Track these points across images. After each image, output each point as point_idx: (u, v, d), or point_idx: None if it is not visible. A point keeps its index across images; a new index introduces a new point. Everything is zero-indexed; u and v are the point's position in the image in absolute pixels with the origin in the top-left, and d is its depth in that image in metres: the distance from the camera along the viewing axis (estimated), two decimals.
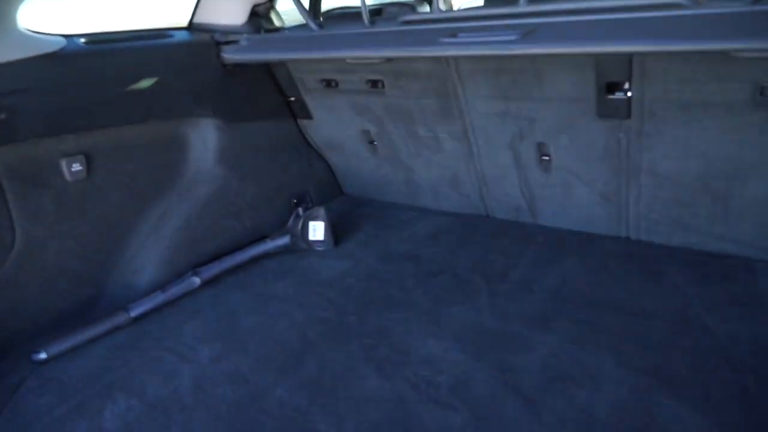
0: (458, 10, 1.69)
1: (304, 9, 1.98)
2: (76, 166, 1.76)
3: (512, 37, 1.39)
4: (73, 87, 1.73)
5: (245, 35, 2.10)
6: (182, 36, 2.07)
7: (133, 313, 1.77)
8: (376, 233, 2.29)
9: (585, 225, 2.08)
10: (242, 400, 1.41)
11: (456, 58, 1.84)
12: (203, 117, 2.10)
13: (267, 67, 2.31)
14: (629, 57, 1.56)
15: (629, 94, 1.64)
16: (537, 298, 1.74)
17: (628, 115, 1.69)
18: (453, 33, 1.52)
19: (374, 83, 2.11)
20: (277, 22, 2.38)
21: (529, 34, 1.38)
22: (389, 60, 1.96)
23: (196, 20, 2.18)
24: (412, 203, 2.51)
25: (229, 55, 2.05)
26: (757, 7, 1.19)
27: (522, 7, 1.55)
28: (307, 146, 2.57)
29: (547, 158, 1.98)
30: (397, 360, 1.52)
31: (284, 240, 2.14)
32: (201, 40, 2.10)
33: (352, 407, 1.36)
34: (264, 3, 2.31)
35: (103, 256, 1.89)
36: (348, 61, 2.05)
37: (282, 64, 2.26)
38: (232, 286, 1.97)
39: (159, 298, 1.83)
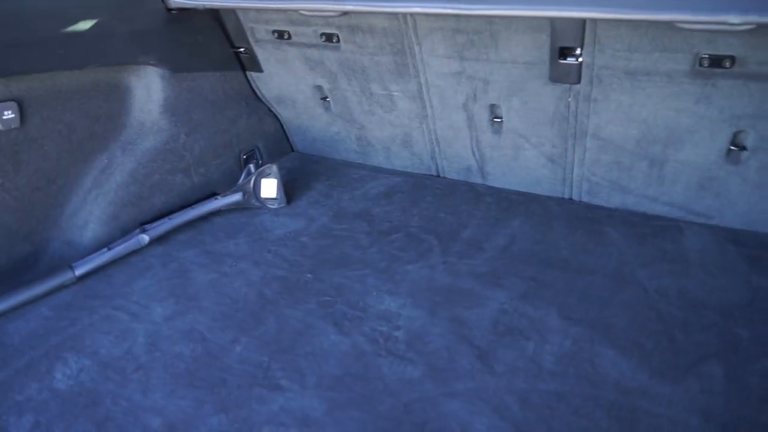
0: None
1: None
2: (8, 114, 1.62)
3: None
4: (1, 25, 1.58)
5: None
6: None
7: (78, 272, 1.70)
8: (329, 192, 2.29)
9: (531, 186, 2.17)
10: (201, 357, 1.41)
11: (414, 16, 1.82)
12: (147, 65, 1.98)
13: (215, 14, 2.20)
14: (582, 23, 1.61)
15: (580, 59, 1.69)
16: (487, 256, 1.82)
17: (578, 80, 1.75)
18: None
19: (329, 37, 2.06)
20: None
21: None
22: (345, 13, 1.91)
23: None
24: (364, 162, 2.51)
25: None
26: None
27: None
28: (257, 100, 2.49)
29: (498, 120, 2.02)
30: (355, 316, 1.56)
31: (236, 197, 2.09)
32: None
33: (312, 362, 1.40)
34: None
35: (41, 211, 1.78)
36: (302, 12, 1.98)
37: (232, 11, 2.15)
38: (183, 244, 1.93)
39: (105, 255, 1.77)
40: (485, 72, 1.88)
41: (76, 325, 1.54)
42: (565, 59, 1.71)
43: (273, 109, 2.54)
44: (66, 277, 1.67)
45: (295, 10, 1.96)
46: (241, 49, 2.31)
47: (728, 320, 1.48)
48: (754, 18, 1.19)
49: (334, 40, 2.05)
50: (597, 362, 1.37)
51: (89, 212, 1.86)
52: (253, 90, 2.47)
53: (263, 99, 2.50)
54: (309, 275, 1.74)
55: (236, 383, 1.34)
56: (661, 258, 1.76)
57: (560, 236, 1.91)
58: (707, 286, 1.62)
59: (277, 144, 2.59)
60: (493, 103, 1.97)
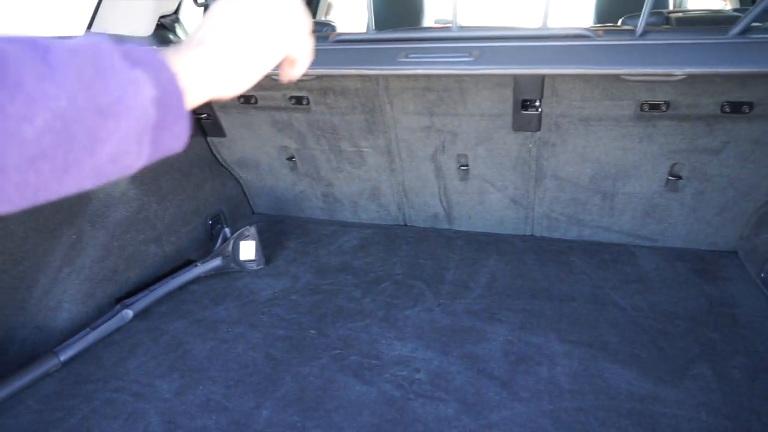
0: (388, 31, 1.79)
1: None
2: None
3: (469, 59, 1.55)
4: None
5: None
6: None
7: (63, 357, 1.56)
8: (304, 249, 2.30)
9: (496, 226, 2.34)
10: (228, 428, 1.35)
11: (386, 77, 1.96)
12: None
13: None
14: (542, 79, 1.83)
15: (540, 110, 1.91)
16: (476, 294, 1.92)
17: (539, 128, 1.96)
18: (406, 53, 1.63)
19: (299, 100, 2.14)
20: (182, 36, 2.27)
21: (479, 57, 1.55)
22: (318, 76, 2.01)
23: (94, 29, 2.00)
24: (330, 218, 2.56)
25: None
26: (641, 41, 1.50)
27: (456, 32, 1.72)
28: (218, 164, 2.48)
29: (465, 168, 2.19)
30: (372, 365, 1.57)
31: (216, 262, 2.04)
32: None
33: (346, 415, 1.38)
34: (170, 15, 2.20)
35: (7, 295, 1.63)
36: (273, 77, 2.04)
37: None
38: (168, 316, 1.83)
39: (89, 336, 1.64)
40: (453, 125, 2.05)
41: (74, 415, 1.40)
42: (526, 110, 1.92)
43: (233, 172, 2.53)
44: (51, 363, 1.52)
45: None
46: (204, 116, 2.31)
47: (699, 326, 1.69)
48: (689, 70, 1.45)
49: (304, 103, 2.14)
50: (606, 377, 1.49)
51: (62, 291, 1.73)
52: (214, 155, 2.46)
53: (224, 163, 2.49)
54: (312, 331, 1.73)
55: None
56: (626, 279, 1.96)
57: (534, 269, 2.07)
58: (672, 299, 1.84)
59: (238, 207, 2.57)
60: (460, 152, 2.14)
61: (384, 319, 1.79)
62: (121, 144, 0.44)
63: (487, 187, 2.22)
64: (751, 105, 1.71)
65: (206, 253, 2.15)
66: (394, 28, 1.87)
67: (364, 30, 1.79)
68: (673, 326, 1.69)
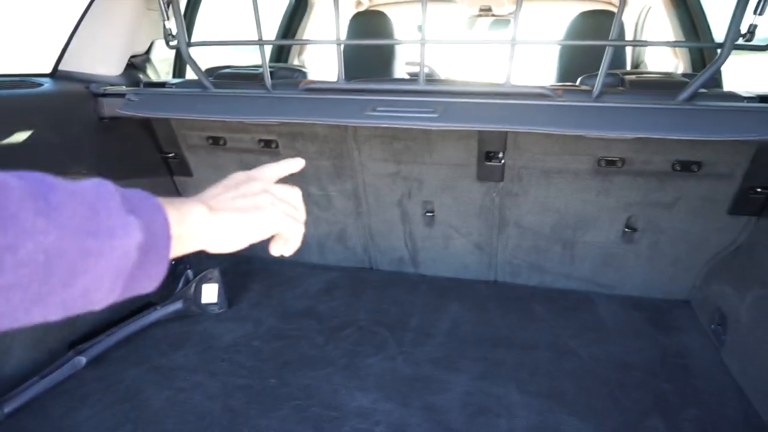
0: (354, 81, 1.84)
1: (199, 67, 1.95)
2: None
3: (435, 115, 1.59)
4: None
5: (131, 89, 1.98)
6: (54, 85, 1.87)
7: (8, 408, 1.49)
8: (268, 292, 2.28)
9: (461, 271, 2.37)
10: None
11: (355, 127, 2.00)
12: (78, 174, 1.90)
13: (146, 122, 2.19)
14: (505, 133, 1.90)
15: (503, 161, 1.97)
16: (438, 341, 1.93)
17: (502, 179, 2.02)
18: (373, 107, 1.67)
19: (267, 143, 2.16)
20: (152, 76, 2.28)
21: (445, 113, 1.60)
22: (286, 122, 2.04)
23: (63, 67, 1.99)
24: (296, 259, 2.55)
25: (119, 110, 1.90)
26: (597, 103, 1.58)
27: (422, 86, 1.77)
28: None
29: (431, 214, 2.22)
30: (332, 417, 1.55)
31: (176, 305, 2.00)
32: (76, 91, 1.92)
33: None
34: (141, 55, 2.21)
35: None
36: (243, 120, 2.06)
37: (165, 119, 2.17)
38: (124, 362, 1.78)
39: (38, 385, 1.58)
40: (420, 173, 2.09)
41: None
42: (490, 161, 1.98)
43: None
44: None
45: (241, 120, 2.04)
46: (171, 155, 2.30)
47: (652, 377, 1.73)
48: (640, 134, 1.53)
49: (273, 146, 2.15)
50: (564, 430, 1.51)
51: (10, 337, 1.67)
52: (180, 194, 2.44)
53: None
54: (273, 380, 1.71)
55: None
56: (585, 327, 2.01)
57: (496, 316, 2.09)
58: (627, 348, 1.88)
59: None
60: (426, 199, 2.17)
61: (346, 368, 1.78)
62: (96, 281, 0.45)
63: (452, 233, 2.25)
64: (699, 164, 1.80)
65: (167, 295, 2.11)
66: (363, 78, 1.92)
67: (335, 78, 1.82)
68: (629, 377, 1.73)
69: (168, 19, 1.87)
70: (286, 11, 3.62)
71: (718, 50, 1.47)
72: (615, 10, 1.67)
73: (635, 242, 2.06)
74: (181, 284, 2.11)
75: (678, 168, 1.83)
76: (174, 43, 1.90)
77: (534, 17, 4.11)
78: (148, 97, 1.93)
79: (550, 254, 2.19)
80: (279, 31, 3.61)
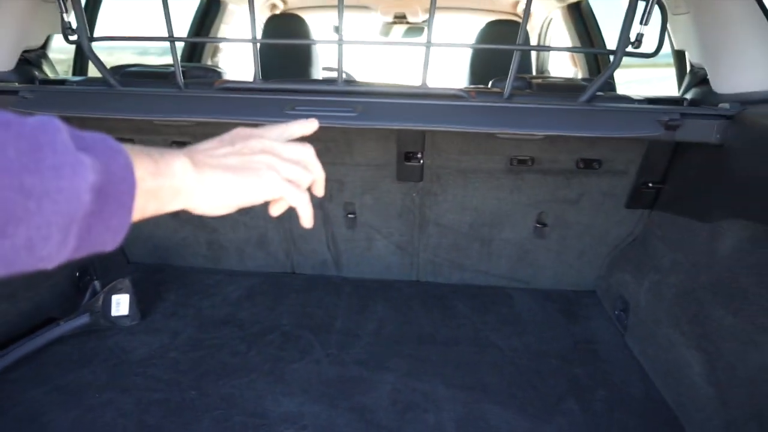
0: (274, 82, 1.81)
1: (103, 64, 1.82)
2: None
3: (354, 114, 1.60)
4: None
5: (24, 86, 1.81)
6: None
7: None
8: (185, 301, 2.17)
9: (384, 272, 2.39)
10: None
11: None
12: None
13: None
14: (423, 133, 1.94)
15: (422, 161, 2.02)
16: (364, 342, 1.93)
17: (421, 179, 2.07)
18: (292, 106, 1.65)
19: (180, 145, 2.05)
20: (50, 73, 2.10)
21: (364, 112, 1.61)
22: (201, 122, 1.96)
23: None
24: (215, 266, 2.45)
25: (10, 108, 1.73)
26: (508, 104, 1.67)
27: (341, 87, 1.78)
28: None
29: (352, 216, 2.23)
30: (257, 425, 1.50)
31: (83, 319, 1.85)
32: None
33: None
34: (35, 50, 2.04)
35: None
36: (153, 120, 1.96)
37: (65, 119, 2.01)
38: (23, 383, 1.62)
39: None
40: (340, 174, 2.09)
41: None
42: (409, 162, 2.02)
43: None
44: None
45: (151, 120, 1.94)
46: None
47: (566, 364, 1.84)
48: (547, 132, 1.63)
49: None
50: (488, 418, 1.56)
51: None
52: None
53: None
54: (193, 392, 1.62)
55: None
56: (503, 321, 2.09)
57: (420, 315, 2.13)
58: (542, 338, 1.99)
59: (110, 256, 2.37)
60: (347, 200, 2.17)
61: (270, 374, 1.73)
62: (42, 230, 0.38)
63: (374, 234, 2.27)
64: (600, 162, 1.94)
65: (71, 309, 1.94)
66: (281, 78, 1.89)
67: (251, 79, 1.78)
68: (545, 365, 1.82)
69: (67, 11, 1.74)
70: (196, 12, 3.49)
71: (611, 57, 1.60)
72: (520, 20, 1.77)
73: (545, 237, 2.18)
74: (87, 296, 1.95)
75: (581, 166, 1.96)
76: (74, 37, 1.77)
77: (445, 26, 4.26)
78: (45, 94, 1.78)
79: (469, 252, 2.27)
80: (189, 33, 3.47)
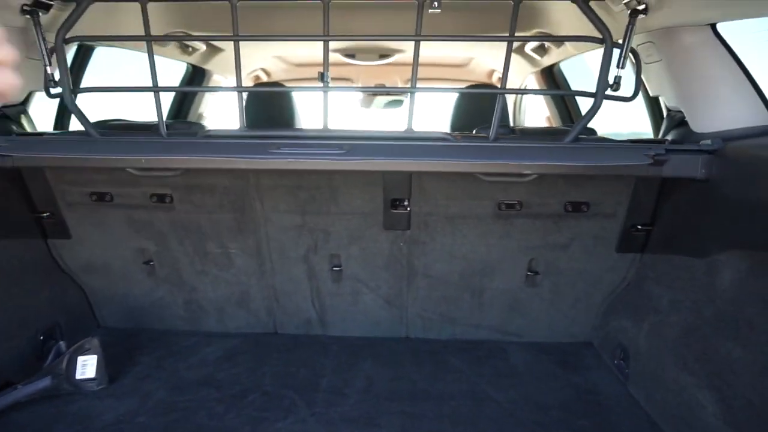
0: (259, 129, 1.80)
1: (84, 116, 1.79)
2: None
3: (339, 152, 1.57)
4: None
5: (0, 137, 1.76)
6: None
7: None
8: (158, 363, 2.02)
9: (371, 329, 2.27)
10: None
11: (257, 174, 1.93)
12: None
13: (16, 176, 1.95)
14: (409, 178, 1.92)
15: (409, 208, 1.98)
16: (353, 401, 1.79)
17: (408, 227, 2.02)
18: (278, 146, 1.62)
19: (161, 198, 2.00)
20: (29, 128, 2.07)
21: (350, 151, 1.58)
22: (184, 173, 1.92)
23: None
24: (192, 328, 2.31)
25: None
26: (494, 144, 1.67)
27: (327, 132, 1.76)
28: (59, 270, 2.17)
29: (338, 268, 2.15)
30: None
31: (43, 383, 1.69)
32: None
33: None
34: (15, 105, 2.01)
35: None
36: (131, 171, 1.91)
37: (39, 173, 1.95)
38: None
39: None
40: (326, 224, 2.04)
41: None
42: (396, 209, 1.99)
43: (76, 279, 2.22)
44: None
45: (123, 169, 1.88)
46: (45, 215, 2.05)
47: (570, 415, 1.72)
48: (538, 162, 1.61)
49: (167, 201, 2.00)
50: None
51: None
52: (54, 258, 2.16)
53: (66, 269, 2.19)
54: None
55: None
56: (499, 374, 1.98)
57: (412, 371, 2.01)
58: (541, 390, 1.87)
59: (80, 319, 2.23)
60: (333, 252, 2.11)
61: None
62: None
63: (361, 287, 2.18)
64: (588, 204, 1.93)
65: (31, 372, 1.78)
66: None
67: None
68: (548, 417, 1.70)
69: (51, 65, 1.73)
70: (181, 81, 3.56)
71: (593, 100, 1.64)
72: (497, 86, 1.81)
73: (538, 285, 2.12)
74: (51, 357, 1.80)
75: (570, 209, 1.94)
76: (56, 90, 1.75)
77: (424, 100, 4.40)
78: (23, 142, 1.74)
79: (460, 303, 2.18)
80: (173, 100, 3.52)
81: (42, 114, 2.34)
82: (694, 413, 1.47)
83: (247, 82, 3.99)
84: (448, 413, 1.72)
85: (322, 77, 1.70)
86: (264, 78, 4.03)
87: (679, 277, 1.73)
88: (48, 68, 1.73)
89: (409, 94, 1.75)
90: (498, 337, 2.24)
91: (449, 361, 2.07)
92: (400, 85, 4.08)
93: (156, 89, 1.69)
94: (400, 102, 4.25)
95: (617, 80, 1.67)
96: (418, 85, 1.65)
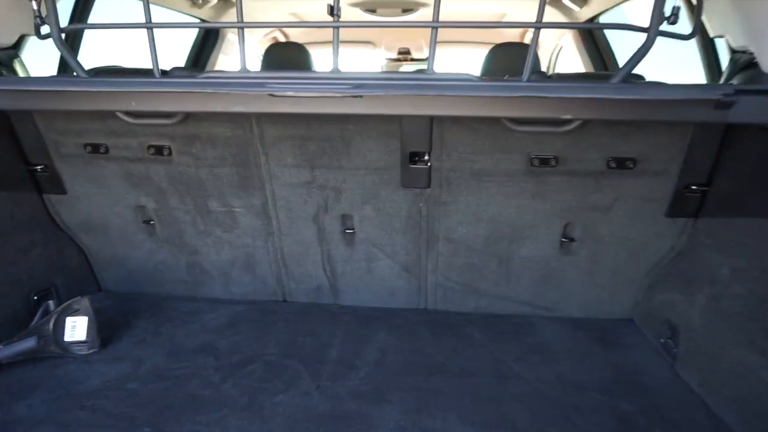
0: (259, 72, 1.61)
1: (73, 55, 1.63)
2: None
3: (349, 87, 1.37)
4: None
5: None
6: None
7: None
8: (156, 329, 1.87)
9: (387, 300, 2.08)
10: None
11: (260, 123, 1.74)
12: None
13: (6, 126, 1.81)
14: (430, 127, 1.70)
15: (429, 163, 1.77)
16: (363, 373, 1.62)
17: (429, 185, 1.81)
18: (281, 83, 1.42)
19: (159, 149, 1.83)
20: (21, 73, 1.92)
21: (361, 86, 1.38)
22: (182, 121, 1.74)
23: None
24: (195, 294, 2.16)
25: None
26: (528, 83, 1.42)
27: (335, 74, 1.56)
28: (55, 227, 2.04)
29: (351, 231, 1.96)
30: None
31: (28, 343, 1.56)
32: None
33: None
34: (5, 49, 1.86)
35: None
36: (127, 120, 1.75)
37: (29, 120, 1.80)
38: None
39: None
40: (337, 180, 1.84)
41: None
42: (415, 164, 1.77)
43: (75, 238, 2.09)
44: None
45: (120, 116, 1.72)
46: (38, 167, 1.91)
47: (610, 397, 1.50)
48: (583, 95, 1.36)
49: (165, 153, 1.83)
50: None
51: None
52: (51, 216, 2.02)
53: (63, 226, 2.05)
54: (147, 429, 1.30)
55: None
56: (528, 350, 1.77)
57: (429, 343, 1.81)
58: (577, 369, 1.66)
59: (79, 281, 2.10)
60: (345, 212, 1.91)
61: (245, 408, 1.41)
62: None
63: (376, 252, 1.99)
64: (634, 161, 1.68)
65: (15, 330, 1.65)
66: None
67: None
68: (584, 399, 1.49)
69: (40, 5, 1.56)
70: (195, 41, 3.39)
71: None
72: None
73: (573, 253, 1.89)
74: (38, 316, 1.67)
75: (613, 165, 1.70)
76: (46, 30, 1.58)
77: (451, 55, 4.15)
78: (8, 80, 1.58)
79: (485, 272, 1.97)
80: (188, 60, 3.36)
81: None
82: (762, 399, 1.24)
83: (264, 42, 3.80)
84: (469, 390, 1.52)
85: (331, 11, 1.50)
86: (282, 39, 3.84)
87: (744, 243, 1.48)
88: (33, 3, 1.57)
89: (431, 29, 1.52)
90: (527, 311, 2.02)
91: (471, 335, 1.87)
92: (424, 48, 3.83)
93: (149, 26, 1.50)
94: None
95: (675, 11, 1.41)
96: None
